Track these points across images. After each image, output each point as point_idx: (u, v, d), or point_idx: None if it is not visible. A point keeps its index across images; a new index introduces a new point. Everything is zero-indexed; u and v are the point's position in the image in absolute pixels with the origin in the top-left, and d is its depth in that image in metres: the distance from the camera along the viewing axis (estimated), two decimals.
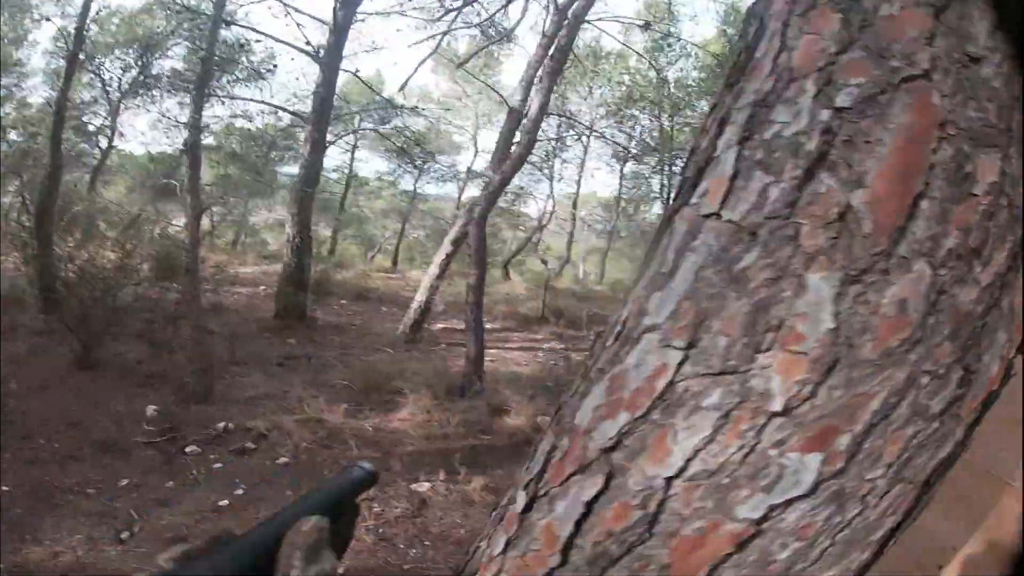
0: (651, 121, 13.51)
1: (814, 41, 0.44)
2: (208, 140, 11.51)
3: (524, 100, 6.75)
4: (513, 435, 5.41)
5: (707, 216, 0.44)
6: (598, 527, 0.42)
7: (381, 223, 19.13)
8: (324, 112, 8.12)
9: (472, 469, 4.60)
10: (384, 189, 18.85)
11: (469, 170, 15.00)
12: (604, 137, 13.44)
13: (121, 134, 12.74)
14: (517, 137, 6.80)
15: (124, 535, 3.47)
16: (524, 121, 6.36)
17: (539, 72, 6.41)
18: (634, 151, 13.73)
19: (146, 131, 13.50)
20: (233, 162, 10.98)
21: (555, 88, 8.64)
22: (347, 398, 5.74)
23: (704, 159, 0.48)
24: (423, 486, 4.41)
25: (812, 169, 0.41)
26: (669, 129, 12.97)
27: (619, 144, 13.76)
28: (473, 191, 18.40)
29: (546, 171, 12.93)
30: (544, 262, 11.48)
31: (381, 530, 3.82)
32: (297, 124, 12.06)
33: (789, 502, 0.40)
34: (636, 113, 13.74)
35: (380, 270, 14.74)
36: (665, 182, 13.59)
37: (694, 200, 0.46)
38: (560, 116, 11.14)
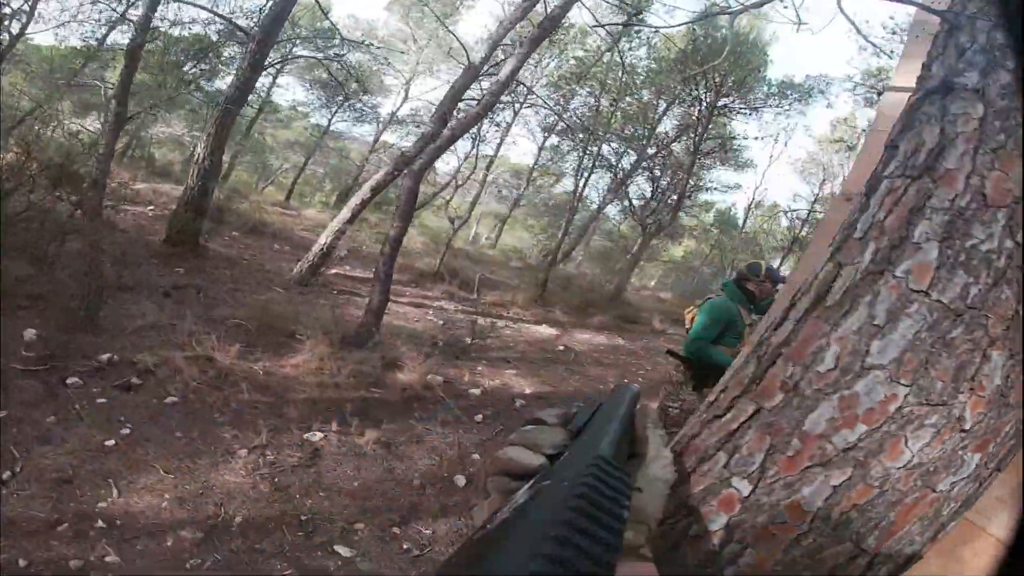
0: (594, 100, 13.78)
1: (1003, 179, 0.67)
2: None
3: (486, 58, 6.71)
4: (405, 390, 5.54)
5: (916, 291, 0.66)
6: (844, 502, 0.64)
7: (283, 154, 18.01)
8: (274, 31, 7.56)
9: (364, 421, 4.70)
10: (296, 120, 17.72)
11: (393, 115, 14.61)
12: (547, 106, 13.49)
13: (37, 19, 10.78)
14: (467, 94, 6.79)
15: (6, 475, 3.23)
16: (490, 83, 6.31)
17: (509, 35, 6.41)
18: (568, 124, 13.92)
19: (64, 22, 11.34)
20: (170, 71, 9.74)
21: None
22: (239, 338, 5.55)
23: (898, 238, 0.70)
24: (316, 436, 4.45)
25: (998, 280, 0.64)
26: (608, 112, 13.27)
27: (559, 115, 13.86)
28: (389, 136, 17.89)
29: (472, 131, 12.94)
30: (451, 220, 11.55)
31: (276, 479, 3.83)
32: (233, 40, 10.95)
33: (960, 480, 0.66)
34: (578, 89, 13.98)
35: (273, 203, 14.00)
36: (587, 163, 13.95)
37: (899, 274, 0.68)
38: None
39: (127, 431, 3.98)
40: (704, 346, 4.00)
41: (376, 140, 17.14)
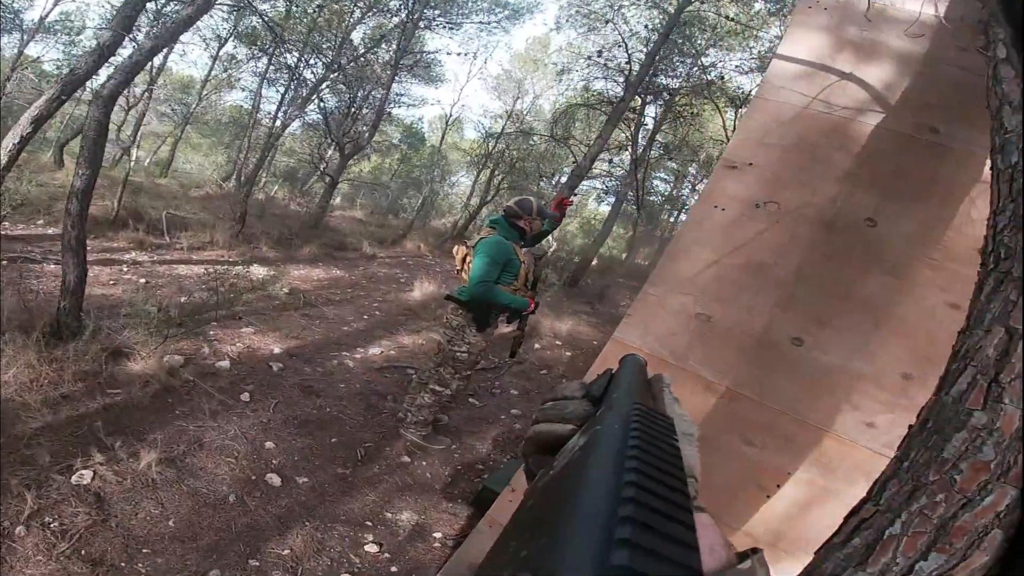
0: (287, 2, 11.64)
1: None
2: None
3: None
4: (147, 384, 4.66)
5: None
6: None
7: None
8: None
9: (127, 440, 3.81)
10: None
11: (41, 21, 10.11)
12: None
13: None
14: None
15: None
16: None
17: None
18: (268, 23, 11.88)
19: None
20: None
21: None
22: None
23: None
24: (85, 477, 3.44)
25: None
26: (298, 18, 11.39)
27: (258, 13, 11.58)
28: (36, 49, 12.89)
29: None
30: (127, 150, 9.26)
31: (83, 551, 2.94)
32: None
33: None
34: None
35: None
36: (272, 74, 12.10)
37: None
38: None
39: None
40: (490, 287, 4.13)
41: (20, 54, 12.20)
